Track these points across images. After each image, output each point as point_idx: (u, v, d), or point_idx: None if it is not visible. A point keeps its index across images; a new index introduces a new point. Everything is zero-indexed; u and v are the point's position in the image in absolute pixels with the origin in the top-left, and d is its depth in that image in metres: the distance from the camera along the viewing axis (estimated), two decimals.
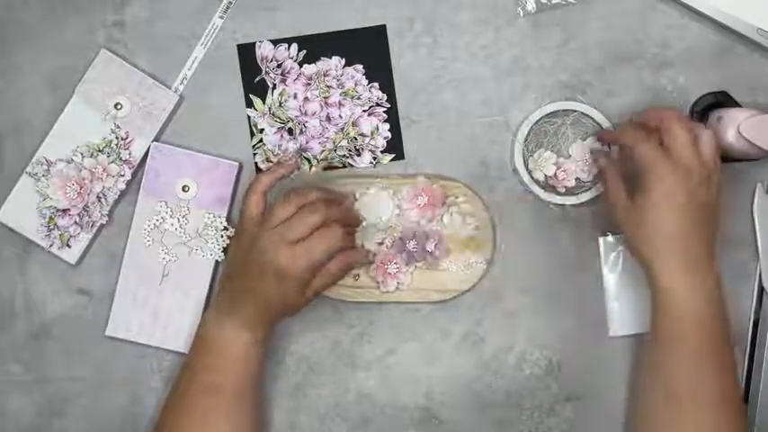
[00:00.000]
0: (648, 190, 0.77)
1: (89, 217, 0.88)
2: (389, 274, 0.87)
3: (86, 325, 0.89)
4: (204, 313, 0.86)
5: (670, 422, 0.78)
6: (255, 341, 0.81)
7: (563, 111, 0.88)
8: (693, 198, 0.76)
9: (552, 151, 0.88)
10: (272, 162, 0.89)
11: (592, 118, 0.88)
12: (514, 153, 0.88)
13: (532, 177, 0.88)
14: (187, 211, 0.88)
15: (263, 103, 0.89)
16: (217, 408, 0.80)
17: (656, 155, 0.77)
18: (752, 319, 0.89)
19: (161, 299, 0.88)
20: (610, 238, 0.89)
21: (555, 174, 0.87)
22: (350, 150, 0.89)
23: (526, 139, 0.88)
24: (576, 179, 0.88)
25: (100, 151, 0.88)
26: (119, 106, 0.88)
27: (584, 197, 0.87)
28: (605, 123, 0.87)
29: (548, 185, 0.88)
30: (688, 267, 0.77)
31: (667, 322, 0.78)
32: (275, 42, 0.89)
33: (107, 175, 0.88)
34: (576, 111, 0.88)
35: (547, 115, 0.88)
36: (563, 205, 0.88)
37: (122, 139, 0.88)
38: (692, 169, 0.76)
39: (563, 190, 0.88)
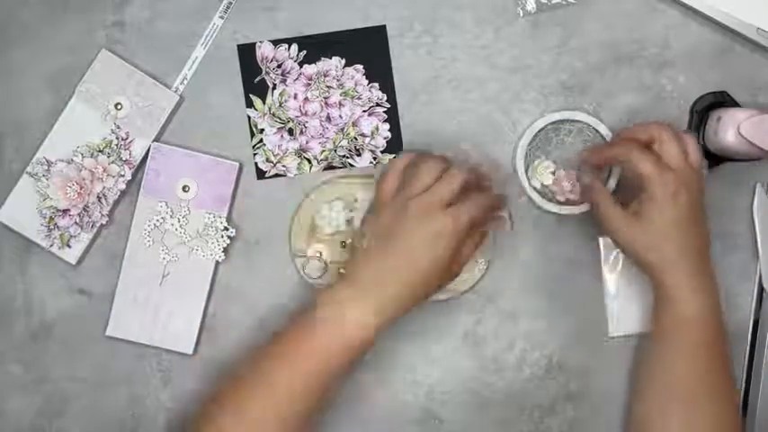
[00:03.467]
0: (652, 198, 0.77)
1: (89, 217, 0.88)
2: None
3: (86, 325, 0.89)
4: (320, 293, 0.79)
5: (677, 417, 0.80)
6: (377, 329, 0.76)
7: (569, 120, 0.88)
8: (692, 201, 0.78)
9: (551, 159, 0.88)
10: (271, 162, 0.89)
11: (596, 130, 0.87)
12: (516, 157, 0.88)
13: (530, 184, 0.87)
14: (187, 212, 0.88)
15: (264, 104, 0.89)
16: (305, 389, 0.76)
17: (654, 163, 0.78)
18: (752, 319, 0.89)
19: (161, 299, 0.88)
20: (610, 239, 0.89)
21: (553, 183, 0.87)
22: (350, 150, 0.89)
23: (529, 144, 0.87)
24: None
25: (100, 151, 0.88)
26: (119, 106, 0.88)
27: (582, 208, 0.87)
28: (609, 136, 0.87)
29: (546, 192, 0.88)
30: (696, 268, 0.79)
31: (673, 321, 0.80)
32: (275, 42, 0.89)
33: (107, 175, 0.88)
34: (580, 121, 0.88)
35: (552, 123, 0.87)
36: (558, 214, 0.88)
37: (122, 139, 0.88)
38: (686, 174, 0.78)
39: (562, 199, 0.87)
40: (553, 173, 0.87)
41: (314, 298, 0.78)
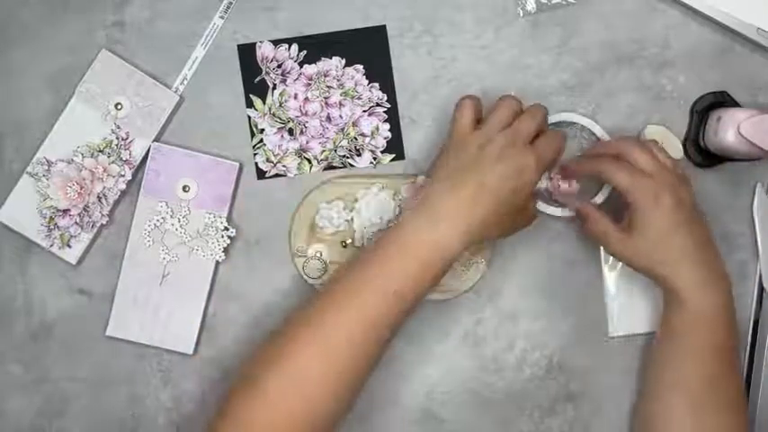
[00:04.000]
0: (640, 211, 0.77)
1: (89, 217, 0.88)
2: None
3: (86, 325, 0.89)
4: (399, 221, 0.78)
5: (682, 419, 0.80)
6: (461, 246, 0.75)
7: (566, 122, 0.88)
8: (678, 201, 0.78)
9: None
10: (272, 162, 0.89)
11: (591, 131, 0.87)
12: None
13: None
14: (187, 212, 0.88)
15: (264, 104, 0.89)
16: (389, 312, 0.75)
17: (627, 171, 0.78)
18: (752, 319, 0.89)
19: (161, 299, 0.88)
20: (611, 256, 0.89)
21: (550, 186, 0.87)
22: (350, 150, 0.89)
23: None
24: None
25: (100, 151, 0.88)
26: (119, 106, 0.88)
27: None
28: (605, 137, 0.87)
29: (545, 194, 0.87)
30: (701, 266, 0.78)
31: (682, 323, 0.79)
32: (276, 42, 0.89)
33: (107, 175, 0.88)
34: (576, 123, 0.88)
35: (549, 124, 0.87)
36: (558, 216, 0.88)
37: (123, 139, 0.88)
38: (663, 176, 0.78)
39: (560, 198, 0.87)
40: (550, 177, 0.87)
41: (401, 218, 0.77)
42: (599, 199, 0.87)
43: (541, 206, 0.87)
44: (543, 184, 0.87)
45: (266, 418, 0.72)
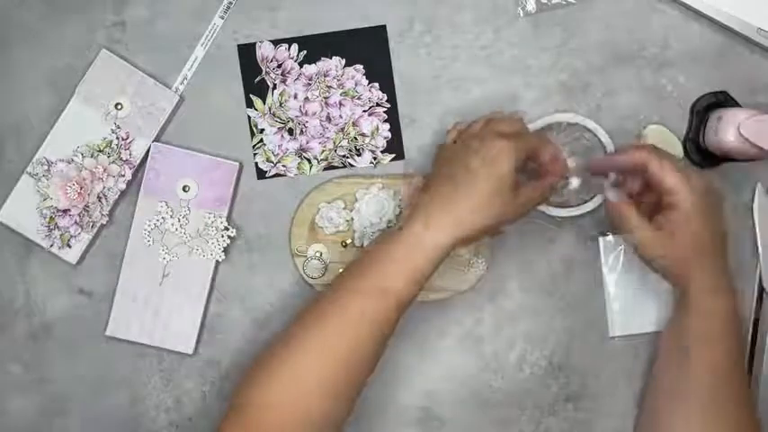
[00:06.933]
0: (678, 207, 0.77)
1: (89, 217, 0.88)
2: None
3: (86, 325, 0.89)
4: (395, 226, 0.80)
5: (698, 422, 0.79)
6: (450, 246, 0.77)
7: (566, 123, 0.88)
8: (717, 205, 0.78)
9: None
10: (272, 162, 0.89)
11: (593, 132, 0.87)
12: None
13: None
14: (187, 211, 0.88)
15: (264, 104, 0.89)
16: (386, 310, 0.76)
17: (680, 170, 0.77)
18: (752, 319, 0.89)
19: (161, 299, 0.88)
20: (610, 238, 0.89)
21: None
22: (350, 150, 0.90)
23: None
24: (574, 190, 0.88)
25: (100, 151, 0.88)
26: (119, 106, 0.88)
27: (578, 211, 0.87)
28: (603, 137, 0.87)
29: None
30: (720, 272, 0.79)
31: (695, 326, 0.79)
32: (275, 42, 0.89)
33: (107, 175, 0.88)
34: (576, 124, 0.87)
35: (548, 124, 0.87)
36: (556, 217, 0.87)
37: (123, 139, 0.88)
38: (706, 178, 0.78)
39: (561, 183, 0.87)
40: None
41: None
42: (594, 203, 0.87)
43: (541, 206, 0.87)
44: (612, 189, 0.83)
45: (272, 421, 0.73)
